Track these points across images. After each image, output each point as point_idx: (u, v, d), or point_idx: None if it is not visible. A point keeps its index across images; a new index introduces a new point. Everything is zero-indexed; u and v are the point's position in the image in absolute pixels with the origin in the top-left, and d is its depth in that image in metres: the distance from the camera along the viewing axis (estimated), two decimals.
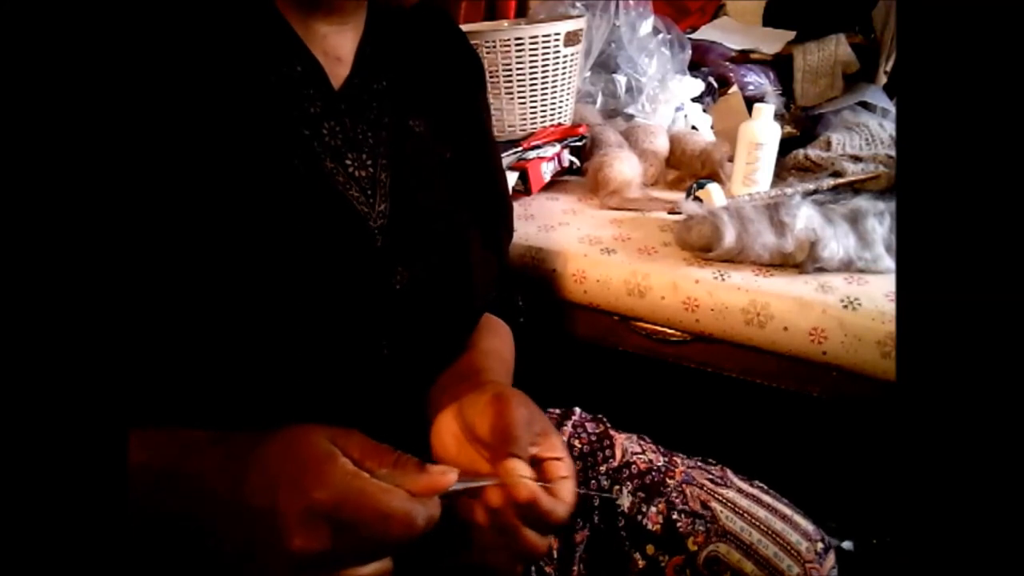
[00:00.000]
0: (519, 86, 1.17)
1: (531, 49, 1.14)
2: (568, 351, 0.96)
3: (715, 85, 1.38)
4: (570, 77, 1.22)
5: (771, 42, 1.43)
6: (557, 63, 1.17)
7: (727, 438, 0.82)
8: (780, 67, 1.40)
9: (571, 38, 1.17)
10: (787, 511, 0.58)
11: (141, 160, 0.40)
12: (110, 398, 0.32)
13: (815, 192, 0.98)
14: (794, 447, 0.94)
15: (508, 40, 1.12)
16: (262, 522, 0.34)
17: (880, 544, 1.02)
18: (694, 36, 1.46)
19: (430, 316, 0.53)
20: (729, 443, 0.75)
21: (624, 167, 1.05)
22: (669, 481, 0.60)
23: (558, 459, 0.43)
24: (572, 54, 1.19)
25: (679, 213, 0.96)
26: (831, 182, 1.00)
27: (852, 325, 0.76)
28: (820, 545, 0.56)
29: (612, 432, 0.66)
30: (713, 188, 0.98)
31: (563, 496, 0.41)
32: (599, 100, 1.35)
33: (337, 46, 0.50)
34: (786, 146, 1.09)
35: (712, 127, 1.29)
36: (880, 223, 0.82)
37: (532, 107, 1.20)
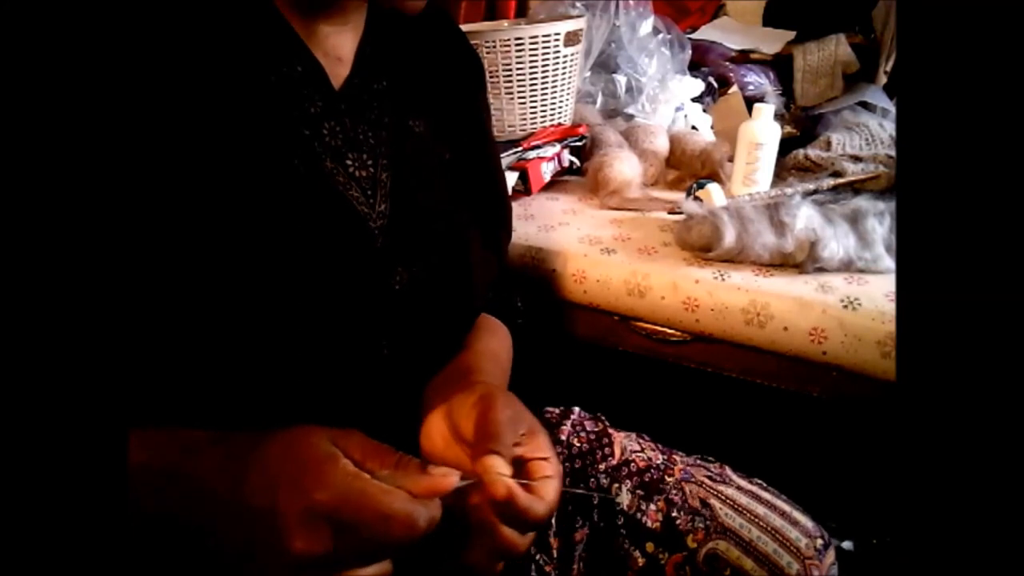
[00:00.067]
0: (519, 86, 1.17)
1: (531, 49, 1.14)
2: (568, 351, 0.96)
3: (715, 85, 1.38)
4: (570, 77, 1.22)
5: (771, 42, 1.43)
6: (557, 63, 1.17)
7: (727, 438, 0.82)
8: (780, 67, 1.40)
9: (571, 38, 1.17)
10: (786, 508, 0.58)
11: (141, 160, 0.40)
12: (110, 398, 0.32)
13: (815, 192, 0.98)
14: (794, 447, 0.94)
15: (508, 40, 1.12)
16: (262, 523, 0.34)
17: (880, 544, 1.02)
18: (694, 36, 1.46)
19: (430, 316, 0.53)
20: (729, 443, 0.75)
21: (624, 167, 1.05)
22: (668, 479, 0.60)
23: (543, 459, 0.43)
24: (572, 54, 1.19)
25: (679, 213, 0.96)
26: (831, 182, 1.00)
27: (852, 325, 0.76)
28: (820, 542, 0.56)
29: (611, 431, 0.66)
30: (713, 188, 0.98)
31: (544, 495, 0.41)
32: (599, 100, 1.35)
33: (337, 46, 0.50)
34: (786, 146, 1.09)
35: (712, 127, 1.29)
36: (880, 223, 0.82)
37: (532, 107, 1.20)
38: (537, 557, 0.60)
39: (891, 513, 0.93)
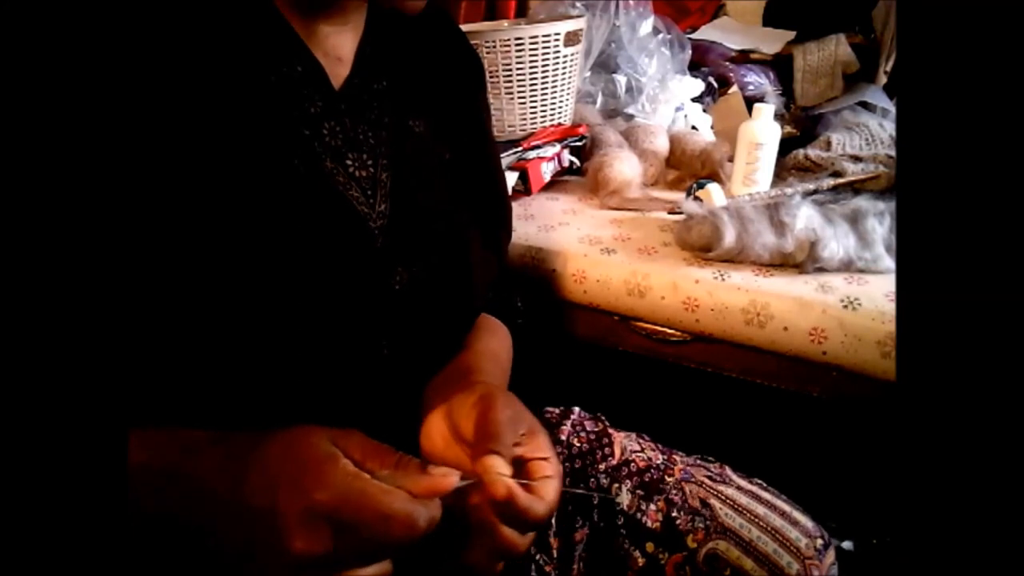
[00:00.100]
0: (519, 86, 1.17)
1: (531, 49, 1.14)
2: (568, 351, 0.96)
3: (715, 85, 1.38)
4: (570, 77, 1.22)
5: (771, 42, 1.43)
6: (557, 63, 1.17)
7: (727, 438, 0.82)
8: (780, 67, 1.40)
9: (571, 38, 1.17)
10: (786, 508, 0.58)
11: (141, 160, 0.40)
12: (110, 398, 0.32)
13: (815, 192, 0.98)
14: (794, 447, 0.94)
15: (508, 40, 1.12)
16: (262, 523, 0.34)
17: (880, 544, 1.02)
18: (694, 36, 1.46)
19: (430, 316, 0.53)
20: (729, 444, 0.75)
21: (624, 167, 1.05)
22: (668, 479, 0.60)
23: (543, 459, 0.43)
24: (572, 54, 1.19)
25: (679, 213, 0.96)
26: (831, 182, 1.00)
27: (852, 325, 0.76)
28: (820, 541, 0.56)
29: (611, 431, 0.66)
30: (713, 188, 0.98)
31: (544, 495, 0.41)
32: (599, 100, 1.35)
33: (337, 46, 0.50)
34: (786, 146, 1.09)
35: (712, 127, 1.29)
36: (880, 223, 0.82)
37: (532, 107, 1.20)
38: (537, 557, 0.60)
39: (891, 513, 0.93)
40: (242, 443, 0.38)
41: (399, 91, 0.54)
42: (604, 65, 1.37)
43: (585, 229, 0.98)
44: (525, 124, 1.22)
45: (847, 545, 1.01)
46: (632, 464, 0.62)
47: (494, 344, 0.62)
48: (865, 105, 1.23)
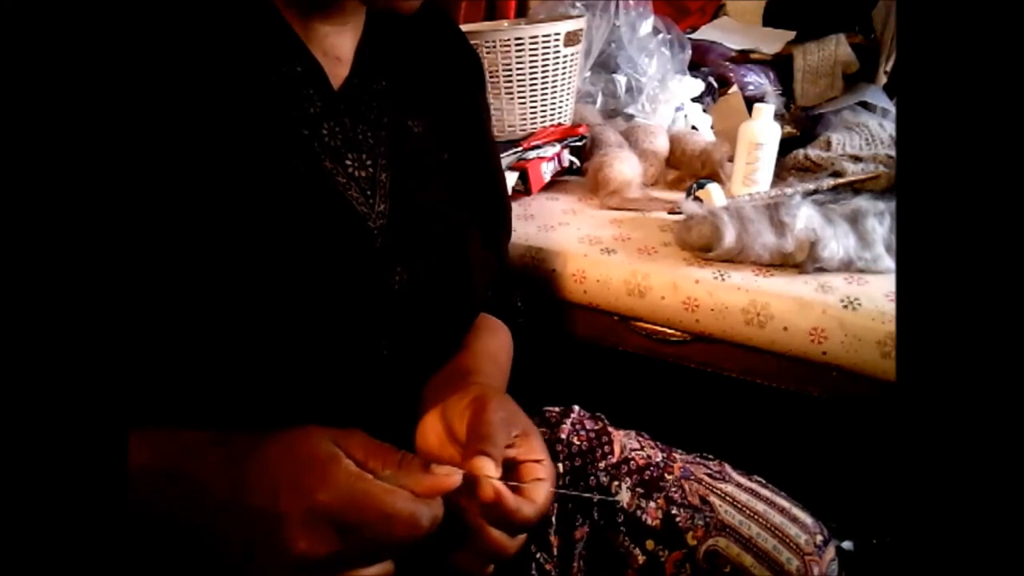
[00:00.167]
0: (519, 86, 1.17)
1: (531, 49, 1.14)
2: (568, 351, 0.96)
3: (715, 85, 1.38)
4: (570, 77, 1.22)
5: (771, 42, 1.43)
6: (557, 63, 1.17)
7: (727, 439, 0.82)
8: (780, 67, 1.40)
9: (571, 38, 1.17)
10: (786, 504, 0.58)
11: (141, 160, 0.40)
12: (110, 398, 0.32)
13: (815, 192, 0.98)
14: (794, 448, 0.94)
15: (508, 40, 1.12)
16: (264, 524, 0.34)
17: (880, 544, 1.02)
18: (694, 36, 1.46)
19: (430, 316, 0.53)
20: (729, 444, 0.75)
21: (624, 167, 1.05)
22: (668, 476, 0.60)
23: (536, 461, 0.43)
24: (572, 54, 1.19)
25: (679, 213, 0.96)
26: (831, 182, 1.00)
27: (852, 325, 0.76)
28: (819, 538, 0.56)
29: (610, 429, 0.66)
30: (713, 188, 0.98)
31: (535, 498, 0.41)
32: (599, 100, 1.35)
33: (337, 46, 0.50)
34: (786, 146, 1.09)
35: (712, 127, 1.29)
36: (880, 223, 0.82)
37: (532, 107, 1.20)
38: (537, 555, 0.60)
39: (891, 513, 0.93)
40: (243, 443, 0.38)
41: (398, 91, 0.54)
42: (604, 65, 1.37)
43: (585, 229, 0.98)
44: (525, 124, 1.22)
45: (847, 545, 1.01)
46: (632, 462, 0.62)
47: (493, 344, 0.62)
48: (865, 105, 1.23)
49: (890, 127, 1.11)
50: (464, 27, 0.99)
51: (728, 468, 0.62)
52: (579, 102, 1.33)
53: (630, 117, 1.30)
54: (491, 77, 1.15)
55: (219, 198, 0.42)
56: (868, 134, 1.10)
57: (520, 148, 1.12)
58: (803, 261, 0.83)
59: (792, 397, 0.83)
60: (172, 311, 0.41)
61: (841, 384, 0.79)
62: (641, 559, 0.58)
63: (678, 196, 1.04)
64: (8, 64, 0.31)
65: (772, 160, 1.02)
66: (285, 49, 0.47)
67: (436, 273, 0.53)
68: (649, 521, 0.58)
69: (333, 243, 0.47)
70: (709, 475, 0.60)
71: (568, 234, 0.97)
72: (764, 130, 1.00)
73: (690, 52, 1.36)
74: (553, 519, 0.61)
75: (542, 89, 1.19)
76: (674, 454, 0.64)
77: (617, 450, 0.64)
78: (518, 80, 1.17)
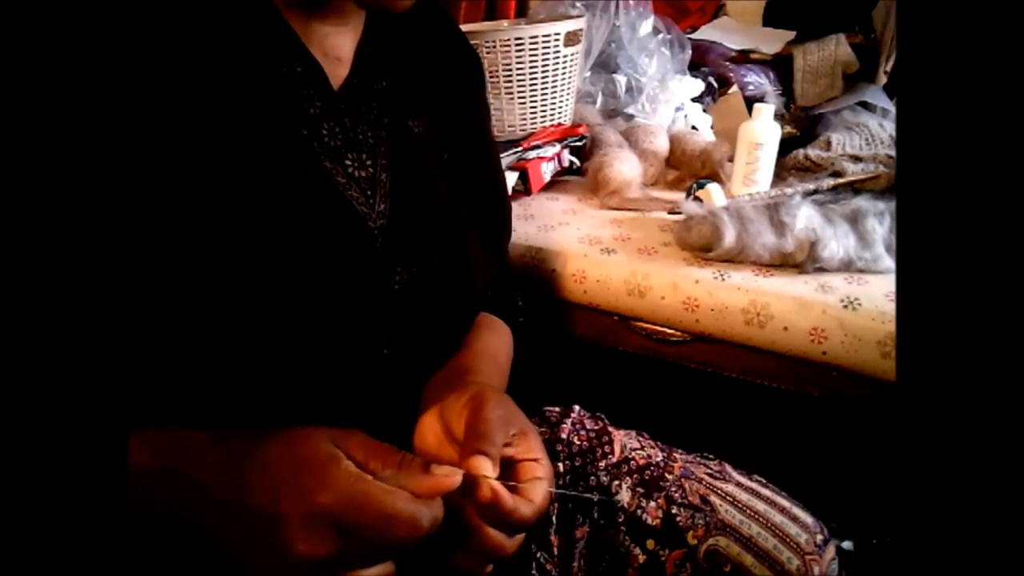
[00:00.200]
0: (519, 86, 1.17)
1: (531, 49, 1.14)
2: (568, 351, 0.96)
3: (715, 85, 1.38)
4: (570, 77, 1.22)
5: (771, 42, 1.43)
6: (557, 63, 1.17)
7: (727, 439, 0.82)
8: (780, 67, 1.40)
9: (571, 38, 1.17)
10: (786, 504, 0.58)
11: (141, 160, 0.40)
12: (110, 399, 0.32)
13: (815, 192, 0.98)
14: (794, 448, 0.94)
15: (508, 40, 1.12)
16: (264, 524, 0.34)
17: (880, 544, 1.02)
18: (694, 36, 1.46)
19: (430, 316, 0.53)
20: (730, 444, 0.75)
21: (624, 167, 1.05)
22: (668, 476, 0.60)
23: (534, 460, 0.43)
24: (572, 54, 1.19)
25: (679, 213, 0.95)
26: (831, 182, 1.00)
27: (852, 325, 0.76)
28: (820, 537, 0.56)
29: (611, 429, 0.66)
30: (713, 188, 0.98)
31: (533, 497, 0.41)
32: (599, 100, 1.35)
33: (337, 46, 0.50)
34: (786, 146, 1.09)
35: (712, 127, 1.29)
36: (880, 223, 0.82)
37: (532, 107, 1.20)
38: (538, 555, 0.60)
39: (891, 513, 0.93)
40: (243, 444, 0.38)
41: (398, 91, 0.54)
42: (604, 65, 1.37)
43: (585, 229, 0.98)
44: (525, 124, 1.22)
45: (847, 545, 1.01)
46: (632, 462, 0.62)
47: (493, 343, 0.62)
48: (865, 105, 1.23)
49: (890, 127, 1.11)
50: (464, 27, 0.99)
51: (728, 468, 0.62)
52: (579, 102, 1.33)
53: (630, 117, 1.30)
54: (491, 77, 1.15)
55: (219, 198, 0.42)
56: (868, 134, 1.10)
57: (520, 148, 1.12)
58: (803, 261, 0.83)
59: (792, 397, 0.83)
60: (172, 311, 0.41)
61: (841, 384, 0.79)
62: (641, 558, 0.58)
63: (678, 196, 1.04)
64: (8, 64, 0.31)
65: (772, 160, 1.02)
66: (285, 49, 0.47)
67: (436, 273, 0.53)
68: (649, 520, 0.58)
69: (333, 243, 0.47)
70: (709, 475, 0.60)
71: (568, 234, 0.97)
72: (764, 130, 1.00)
73: (690, 52, 1.36)
74: (553, 519, 0.61)
75: (542, 89, 1.19)
76: (674, 454, 0.64)
77: (617, 450, 0.64)
78: (518, 80, 1.17)
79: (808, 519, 0.58)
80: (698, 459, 0.63)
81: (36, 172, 0.32)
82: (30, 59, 0.32)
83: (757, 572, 0.54)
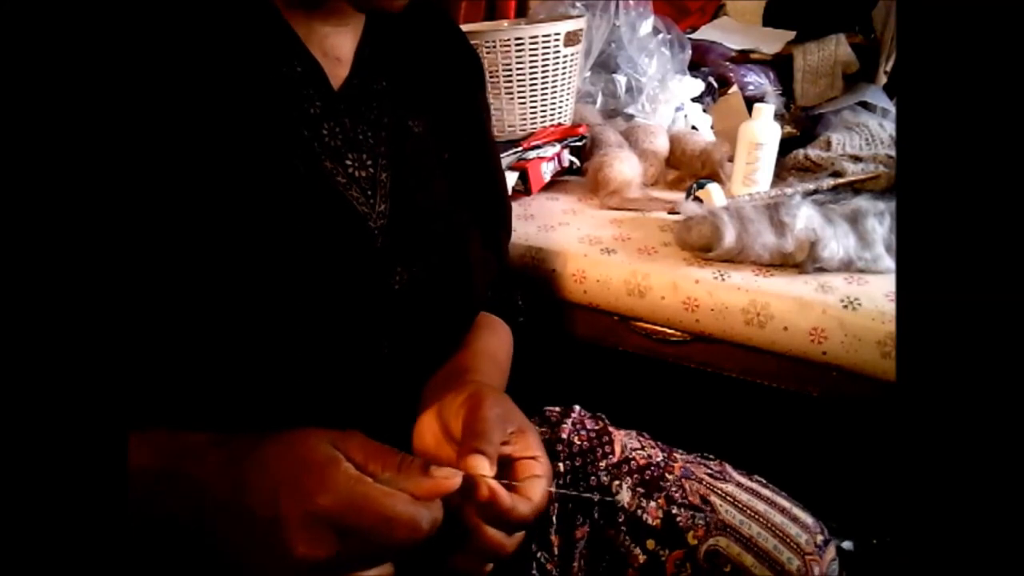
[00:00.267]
0: (519, 86, 1.17)
1: (531, 49, 1.14)
2: (568, 351, 0.96)
3: (715, 85, 1.38)
4: (570, 77, 1.22)
5: (771, 42, 1.43)
6: (557, 63, 1.17)
7: (727, 439, 0.82)
8: (780, 67, 1.40)
9: (571, 38, 1.17)
10: (786, 504, 0.58)
11: (141, 160, 0.40)
12: (110, 399, 0.32)
13: (815, 192, 0.98)
14: (794, 447, 0.94)
15: (508, 40, 1.12)
16: (264, 526, 0.34)
17: (880, 544, 1.02)
18: (694, 36, 1.46)
19: (430, 316, 0.53)
20: (730, 444, 0.75)
21: (624, 167, 1.05)
22: (668, 476, 0.60)
23: (532, 458, 0.43)
24: (572, 54, 1.19)
25: (679, 213, 0.96)
26: (831, 182, 1.00)
27: (852, 325, 0.76)
28: (820, 537, 0.56)
29: (611, 429, 0.66)
30: (713, 188, 0.98)
31: (530, 495, 0.41)
32: (599, 100, 1.35)
33: (337, 46, 0.50)
34: (786, 146, 1.09)
35: (712, 127, 1.29)
36: (880, 223, 0.82)
37: (532, 107, 1.20)
38: (538, 555, 0.60)
39: (891, 513, 0.93)
40: (243, 445, 0.38)
41: (398, 91, 0.54)
42: (604, 65, 1.37)
43: (585, 229, 0.98)
44: (525, 124, 1.22)
45: (847, 545, 1.01)
46: (632, 462, 0.62)
47: (493, 343, 0.62)
48: (865, 105, 1.23)
49: (890, 127, 1.11)
50: (464, 27, 0.99)
51: (729, 468, 0.62)
52: (579, 102, 1.33)
53: (630, 117, 1.30)
54: (491, 77, 1.15)
55: (219, 199, 0.42)
56: (868, 134, 1.10)
57: (520, 148, 1.12)
58: (803, 261, 0.83)
59: (792, 397, 0.83)
60: (172, 311, 0.41)
61: (841, 384, 0.79)
62: (642, 558, 0.58)
63: (678, 196, 1.04)
64: (8, 64, 0.31)
65: (772, 160, 1.02)
66: (285, 49, 0.47)
67: (436, 273, 0.53)
68: (650, 521, 0.58)
69: (334, 243, 0.47)
70: (710, 475, 0.60)
71: (568, 234, 0.97)
72: (764, 130, 1.00)
73: (690, 52, 1.36)
74: (554, 518, 0.61)
75: (542, 89, 1.19)
76: (675, 454, 0.64)
77: (618, 450, 0.64)
78: (518, 80, 1.17)
79: (808, 519, 0.58)
80: (698, 459, 0.63)
81: (36, 173, 0.32)
82: (31, 59, 0.32)
83: (757, 572, 0.54)
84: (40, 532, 0.29)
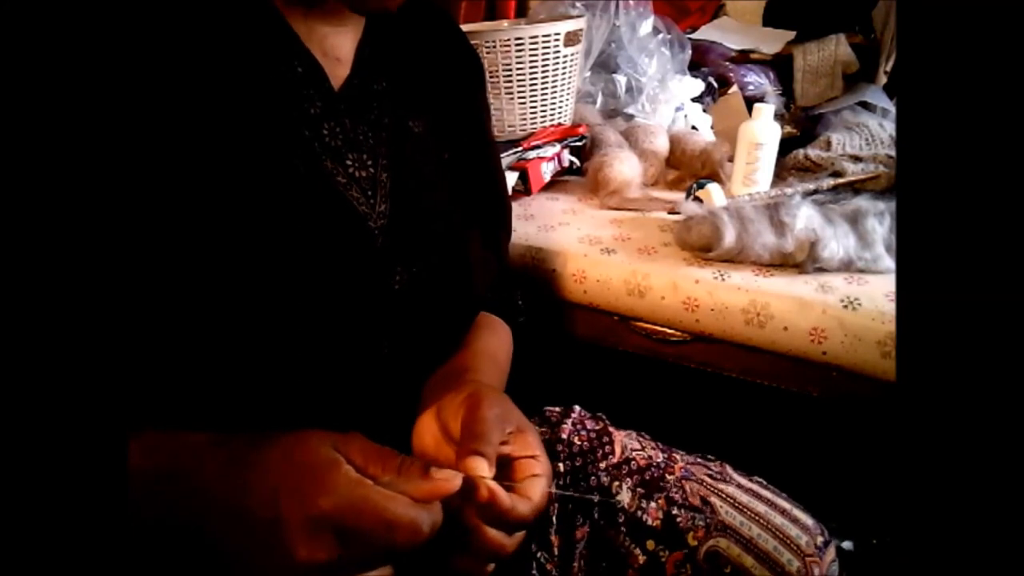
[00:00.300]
0: (519, 86, 1.17)
1: (531, 49, 1.14)
2: (568, 351, 0.96)
3: (715, 85, 1.38)
4: (570, 77, 1.22)
5: (771, 42, 1.43)
6: (557, 63, 1.17)
7: (727, 438, 0.82)
8: (780, 67, 1.40)
9: (571, 38, 1.17)
10: (786, 506, 0.58)
11: (141, 161, 0.40)
12: (111, 401, 0.32)
13: (815, 192, 0.98)
14: (794, 448, 0.94)
15: (508, 40, 1.12)
16: (265, 529, 0.34)
17: (880, 544, 1.01)
18: (694, 36, 1.46)
19: (430, 316, 0.53)
20: (729, 444, 0.75)
21: (624, 167, 1.05)
22: (669, 477, 0.60)
23: (531, 457, 0.43)
24: (572, 54, 1.19)
25: (679, 213, 0.96)
26: (831, 182, 1.00)
27: (852, 325, 0.76)
28: (820, 539, 0.56)
29: (611, 429, 0.66)
30: (713, 188, 0.98)
31: (530, 495, 0.41)
32: (599, 100, 1.35)
33: (337, 46, 0.50)
34: (786, 146, 1.09)
35: (712, 127, 1.29)
36: (880, 223, 0.82)
37: (532, 107, 1.20)
38: (538, 555, 0.60)
39: (891, 513, 0.93)
40: (243, 446, 0.38)
41: (399, 91, 0.54)
42: (604, 65, 1.37)
43: (585, 229, 0.98)
44: (525, 124, 1.22)
45: (847, 545, 1.01)
46: (633, 462, 0.62)
47: (493, 343, 0.62)
48: (865, 105, 1.23)
49: (890, 127, 1.11)
50: (464, 27, 0.99)
51: (729, 469, 0.62)
52: (579, 102, 1.33)
53: (630, 117, 1.30)
54: (491, 77, 1.15)
55: (219, 199, 0.42)
56: (868, 134, 1.10)
57: (520, 148, 1.12)
58: (803, 261, 0.83)
59: (792, 397, 0.83)
60: (172, 312, 0.41)
61: (841, 384, 0.79)
62: (642, 559, 0.58)
63: (678, 196, 1.04)
64: (8, 64, 0.31)
65: (772, 160, 1.02)
66: (285, 49, 0.47)
67: (436, 273, 0.53)
68: (650, 521, 0.58)
69: (334, 243, 0.47)
70: (710, 476, 0.60)
71: (568, 234, 0.97)
72: (764, 130, 1.00)
73: (690, 52, 1.36)
74: (554, 519, 0.61)
75: (542, 89, 1.19)
76: (675, 455, 0.64)
77: (618, 450, 0.64)
78: (518, 80, 1.17)
79: (808, 521, 0.58)
80: (699, 460, 0.63)
81: (36, 173, 0.32)
82: (31, 60, 0.32)
83: (757, 573, 0.54)
84: (40, 532, 0.29)
